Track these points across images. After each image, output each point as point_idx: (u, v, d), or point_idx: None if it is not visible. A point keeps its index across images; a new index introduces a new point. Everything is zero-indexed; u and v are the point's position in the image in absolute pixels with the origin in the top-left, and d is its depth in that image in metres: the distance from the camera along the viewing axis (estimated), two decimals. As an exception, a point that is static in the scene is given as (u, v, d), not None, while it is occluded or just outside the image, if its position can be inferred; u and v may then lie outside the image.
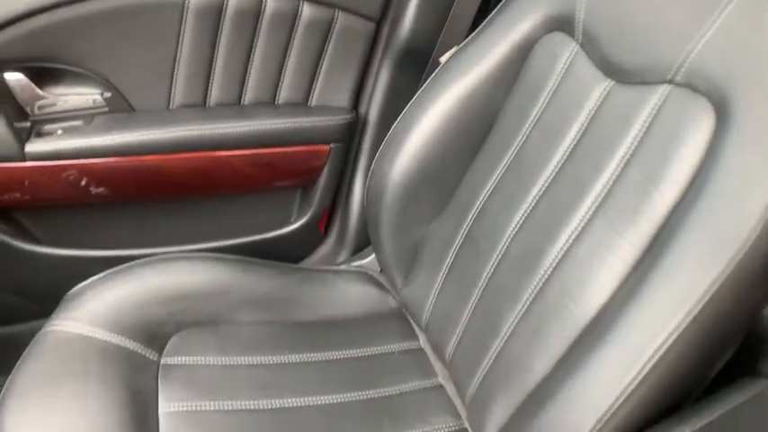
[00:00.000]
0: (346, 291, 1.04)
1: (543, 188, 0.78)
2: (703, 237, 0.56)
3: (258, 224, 1.17)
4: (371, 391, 0.89)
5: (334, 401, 0.86)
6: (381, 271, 1.06)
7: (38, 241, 1.12)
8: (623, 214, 0.67)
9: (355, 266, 1.10)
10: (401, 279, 1.01)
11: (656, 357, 0.54)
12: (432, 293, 0.93)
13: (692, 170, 0.62)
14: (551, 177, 0.77)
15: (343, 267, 1.10)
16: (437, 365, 0.95)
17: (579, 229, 0.71)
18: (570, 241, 0.72)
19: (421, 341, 1.00)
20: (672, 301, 0.55)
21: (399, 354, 0.97)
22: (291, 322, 0.98)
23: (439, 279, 0.92)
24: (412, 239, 0.98)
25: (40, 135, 1.03)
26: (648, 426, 0.57)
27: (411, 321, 1.02)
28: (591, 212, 0.70)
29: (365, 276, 1.07)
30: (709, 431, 0.57)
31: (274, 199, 1.18)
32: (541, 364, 0.70)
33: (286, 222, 1.18)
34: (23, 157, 1.00)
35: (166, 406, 0.81)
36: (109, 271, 0.96)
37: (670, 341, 0.54)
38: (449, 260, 0.91)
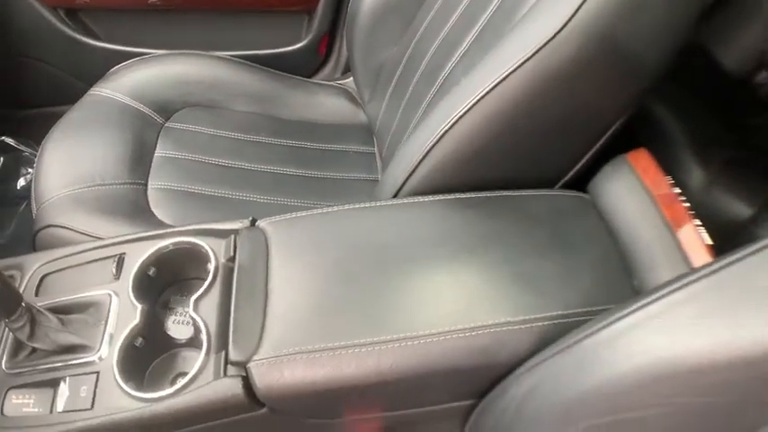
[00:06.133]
0: (325, 101, 1.29)
1: (455, 19, 0.97)
2: (516, 40, 0.72)
3: (270, 41, 1.40)
4: (319, 172, 1.14)
5: (286, 172, 1.12)
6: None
7: (97, 37, 1.41)
8: (491, 37, 0.83)
9: (338, 83, 1.33)
10: (367, 95, 1.24)
11: (449, 125, 0.74)
12: (382, 106, 1.16)
13: None
14: (461, 11, 0.96)
15: (327, 82, 1.33)
16: (380, 165, 1.19)
17: (464, 50, 0.91)
18: (456, 60, 0.92)
19: (375, 148, 1.23)
20: (472, 85, 0.74)
21: (354, 153, 1.21)
22: (273, 116, 1.24)
23: (387, 95, 1.15)
24: (377, 61, 1.19)
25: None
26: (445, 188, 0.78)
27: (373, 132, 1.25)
28: (473, 38, 0.89)
29: (344, 92, 1.31)
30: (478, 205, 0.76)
31: (285, 21, 1.41)
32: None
33: (295, 42, 1.41)
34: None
35: (160, 152, 1.10)
36: (139, 58, 1.24)
37: (460, 113, 0.73)
38: (395, 79, 1.13)
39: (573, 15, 0.67)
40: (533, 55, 0.69)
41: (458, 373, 0.65)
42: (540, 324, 0.66)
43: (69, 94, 1.45)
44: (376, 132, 1.19)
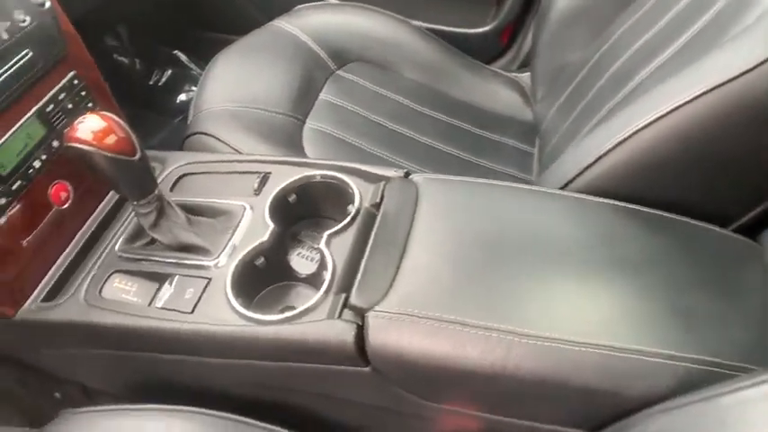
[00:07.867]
0: (496, 89, 1.24)
1: (657, 29, 0.89)
2: (722, 57, 0.65)
3: (455, 19, 1.36)
4: (472, 157, 1.10)
5: (440, 148, 1.08)
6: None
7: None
8: (696, 52, 0.74)
9: (513, 75, 1.28)
10: (541, 93, 1.18)
11: (630, 132, 0.68)
12: (554, 107, 1.10)
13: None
14: (667, 21, 0.88)
15: (502, 71, 1.28)
16: (536, 167, 1.13)
17: (661, 61, 0.82)
18: (650, 71, 0.84)
19: (536, 148, 1.17)
20: (663, 97, 0.67)
21: (512, 148, 1.16)
22: (441, 91, 1.20)
23: (563, 96, 1.08)
24: (559, 61, 1.13)
25: None
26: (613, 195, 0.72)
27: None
28: (675, 50, 0.81)
29: (517, 85, 1.26)
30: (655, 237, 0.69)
31: (474, 2, 1.37)
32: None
33: (479, 25, 1.37)
34: None
35: (325, 96, 1.09)
36: (326, 2, 1.23)
37: (645, 122, 0.67)
38: (575, 83, 1.06)
39: None
40: (739, 76, 0.62)
41: (585, 393, 0.59)
42: (686, 365, 0.58)
43: (249, 25, 1.48)
44: (541, 132, 1.12)
